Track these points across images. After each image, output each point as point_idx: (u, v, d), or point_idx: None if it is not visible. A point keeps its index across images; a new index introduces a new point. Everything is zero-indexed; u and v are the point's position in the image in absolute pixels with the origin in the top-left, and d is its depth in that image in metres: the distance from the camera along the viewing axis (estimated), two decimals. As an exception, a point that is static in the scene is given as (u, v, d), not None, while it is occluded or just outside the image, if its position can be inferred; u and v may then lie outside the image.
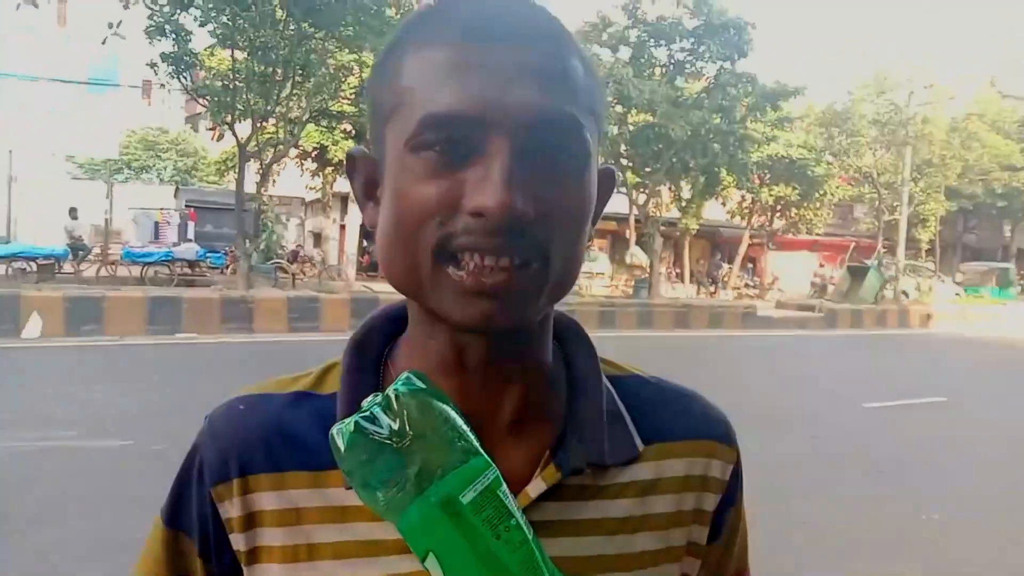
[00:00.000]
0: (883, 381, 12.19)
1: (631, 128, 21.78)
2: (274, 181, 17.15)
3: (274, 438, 0.68)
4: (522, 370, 0.68)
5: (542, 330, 0.70)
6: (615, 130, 21.52)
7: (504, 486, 0.59)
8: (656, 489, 0.71)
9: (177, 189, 29.95)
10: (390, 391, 0.59)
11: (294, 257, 21.96)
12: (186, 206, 25.86)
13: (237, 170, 16.10)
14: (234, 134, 15.58)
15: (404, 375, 0.60)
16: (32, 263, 16.27)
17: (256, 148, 16.45)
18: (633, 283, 24.57)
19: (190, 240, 21.63)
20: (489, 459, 0.59)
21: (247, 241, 15.84)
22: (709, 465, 0.75)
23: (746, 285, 31.50)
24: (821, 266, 32.66)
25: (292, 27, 15.08)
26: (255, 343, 12.12)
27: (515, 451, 0.67)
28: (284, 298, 14.04)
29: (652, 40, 21.73)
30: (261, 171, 16.81)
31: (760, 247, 33.23)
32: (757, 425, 8.26)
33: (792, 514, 5.50)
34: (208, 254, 19.64)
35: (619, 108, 21.05)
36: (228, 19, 14.75)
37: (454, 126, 0.58)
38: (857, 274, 26.25)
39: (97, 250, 19.30)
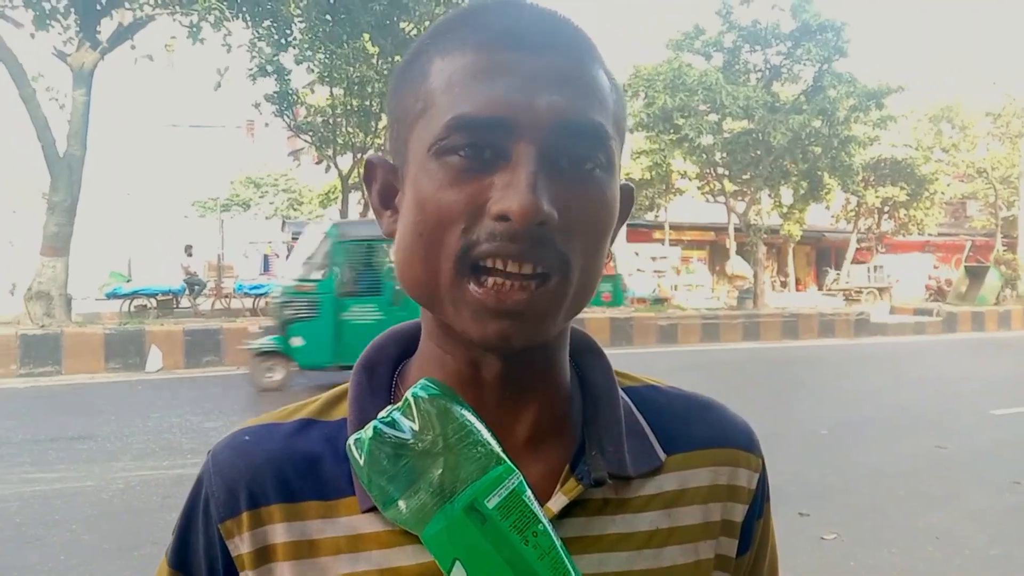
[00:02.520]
0: (1012, 386, 11.51)
1: (726, 135, 21.41)
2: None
3: (284, 467, 0.65)
4: (540, 386, 0.67)
5: (559, 345, 0.67)
6: (710, 139, 21.20)
7: (529, 492, 0.57)
8: (682, 500, 0.69)
9: (284, 223, 31.07)
10: (409, 395, 0.57)
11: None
12: (292, 238, 26.78)
13: (340, 201, 16.60)
14: (336, 167, 16.11)
15: (422, 381, 0.58)
16: (152, 300, 17.16)
17: (357, 179, 16.94)
18: (736, 294, 24.06)
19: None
20: (512, 464, 0.57)
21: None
22: (735, 474, 0.72)
23: (856, 291, 30.41)
24: (936, 268, 31.24)
25: (385, 61, 15.50)
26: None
27: (534, 467, 0.65)
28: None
29: (747, 45, 21.35)
30: (363, 200, 17.28)
31: (868, 251, 32.03)
32: (879, 434, 7.96)
33: (923, 527, 5.25)
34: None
35: (713, 116, 20.73)
36: (325, 57, 15.28)
37: (481, 130, 0.57)
38: (976, 274, 25.01)
39: (211, 285, 20.17)
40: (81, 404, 9.24)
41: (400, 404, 0.57)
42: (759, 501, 0.74)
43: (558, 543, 0.56)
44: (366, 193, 0.69)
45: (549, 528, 0.56)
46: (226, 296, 19.34)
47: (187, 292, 18.44)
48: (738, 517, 0.72)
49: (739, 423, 0.75)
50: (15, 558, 4.55)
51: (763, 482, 0.75)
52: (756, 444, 0.75)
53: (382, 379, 0.69)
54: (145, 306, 17.01)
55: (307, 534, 0.63)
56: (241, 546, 0.64)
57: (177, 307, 17.79)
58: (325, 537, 0.63)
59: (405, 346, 0.71)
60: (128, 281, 19.63)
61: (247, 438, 0.68)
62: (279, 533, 0.63)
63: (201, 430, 7.63)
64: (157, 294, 17.43)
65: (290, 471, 0.65)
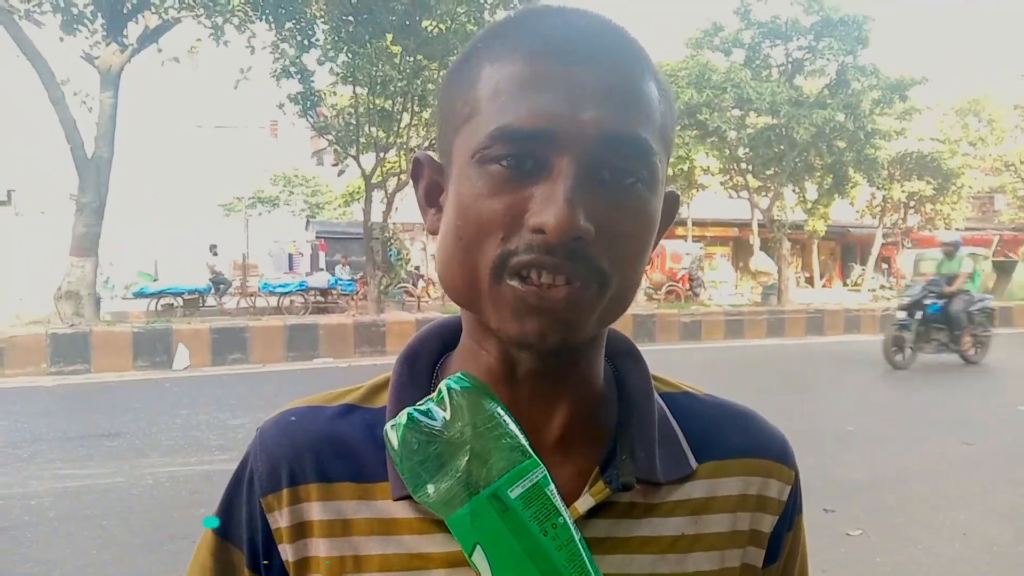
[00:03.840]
0: (1042, 382, 11.37)
1: (749, 131, 21.29)
2: (396, 208, 17.66)
3: (324, 448, 0.68)
4: (572, 386, 0.67)
5: (594, 347, 0.68)
6: (733, 134, 21.09)
7: (552, 486, 0.58)
8: (710, 508, 0.69)
9: (307, 222, 31.29)
10: (443, 386, 0.60)
11: (416, 280, 22.53)
12: (316, 237, 26.98)
13: (364, 200, 16.68)
14: (359, 166, 16.17)
15: (457, 374, 0.61)
16: (179, 299, 17.35)
17: (380, 178, 17.01)
18: (760, 290, 23.89)
19: (321, 269, 22.54)
20: (538, 459, 0.59)
21: (376, 267, 16.35)
22: (766, 485, 0.72)
23: (881, 287, 30.10)
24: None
25: (407, 60, 15.54)
26: (390, 364, 12.43)
27: (564, 466, 0.66)
28: (413, 320, 14.39)
29: (767, 41, 21.21)
30: (386, 200, 17.34)
31: (894, 246, 31.69)
32: (905, 431, 7.89)
33: (949, 524, 5.20)
34: (339, 282, 20.41)
35: (737, 111, 20.62)
36: (347, 57, 15.35)
37: (524, 141, 0.58)
38: (1004, 269, 24.67)
39: (237, 283, 20.36)
40: (110, 402, 9.37)
41: (435, 395, 0.60)
42: (790, 513, 0.74)
43: (577, 537, 0.58)
44: (414, 190, 0.71)
45: (569, 522, 0.58)
46: (251, 295, 19.52)
47: (213, 291, 18.63)
48: (767, 528, 0.72)
49: (774, 434, 0.75)
50: (49, 552, 4.63)
51: (795, 494, 0.75)
52: (790, 456, 0.75)
53: (422, 370, 0.71)
54: (172, 305, 17.21)
55: (342, 514, 0.66)
56: (280, 520, 0.68)
57: (203, 306, 17.98)
58: (359, 518, 0.66)
59: (448, 339, 0.73)
60: (155, 280, 19.88)
61: (292, 418, 0.71)
62: (316, 511, 0.67)
63: (228, 427, 7.71)
64: (183, 293, 17.63)
65: (329, 453, 0.68)
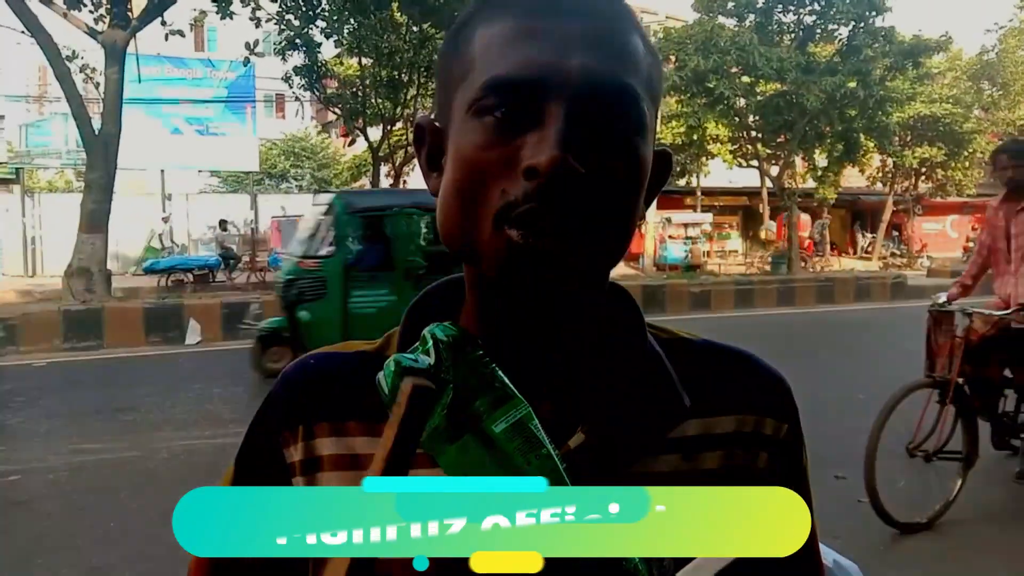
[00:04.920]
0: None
1: (759, 98, 21.07)
2: (405, 181, 17.62)
3: (337, 390, 0.72)
4: (570, 334, 0.69)
5: (592, 296, 0.70)
6: (742, 101, 20.88)
7: (536, 421, 0.60)
8: (704, 446, 0.70)
9: (315, 195, 31.21)
10: (426, 333, 0.63)
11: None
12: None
13: (371, 173, 16.65)
14: (366, 138, 16.12)
15: (442, 324, 0.63)
16: (189, 274, 17.42)
17: (388, 150, 16.95)
18: (770, 259, 23.82)
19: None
20: (521, 397, 0.61)
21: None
22: (761, 423, 0.72)
23: (892, 254, 29.96)
24: (974, 229, 30.61)
25: (413, 30, 15.43)
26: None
27: (558, 412, 0.67)
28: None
29: (780, 5, 20.92)
30: (393, 172, 17.30)
31: (905, 213, 31.46)
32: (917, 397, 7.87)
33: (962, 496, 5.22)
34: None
35: (746, 78, 20.40)
36: (353, 28, 15.25)
37: (514, 90, 0.60)
38: (1016, 235, 24.49)
39: (246, 258, 20.41)
40: (124, 377, 9.45)
41: (420, 343, 0.63)
42: (788, 451, 0.73)
43: (562, 467, 0.60)
44: (416, 156, 0.72)
45: (553, 453, 0.60)
46: (261, 269, 19.57)
47: (223, 266, 18.68)
48: (762, 464, 0.72)
49: (772, 373, 0.76)
50: (67, 524, 4.70)
51: (793, 433, 0.74)
52: (788, 394, 0.75)
53: (424, 322, 0.71)
54: (182, 280, 17.27)
55: (352, 449, 0.70)
56: (294, 454, 0.72)
57: (213, 280, 18.04)
58: (366, 453, 0.68)
59: (453, 294, 0.75)
60: (163, 249, 19.94)
61: (312, 362, 0.76)
62: (327, 446, 0.71)
63: (241, 400, 7.77)
64: (193, 268, 17.71)
65: (342, 394, 0.72)
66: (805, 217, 25.90)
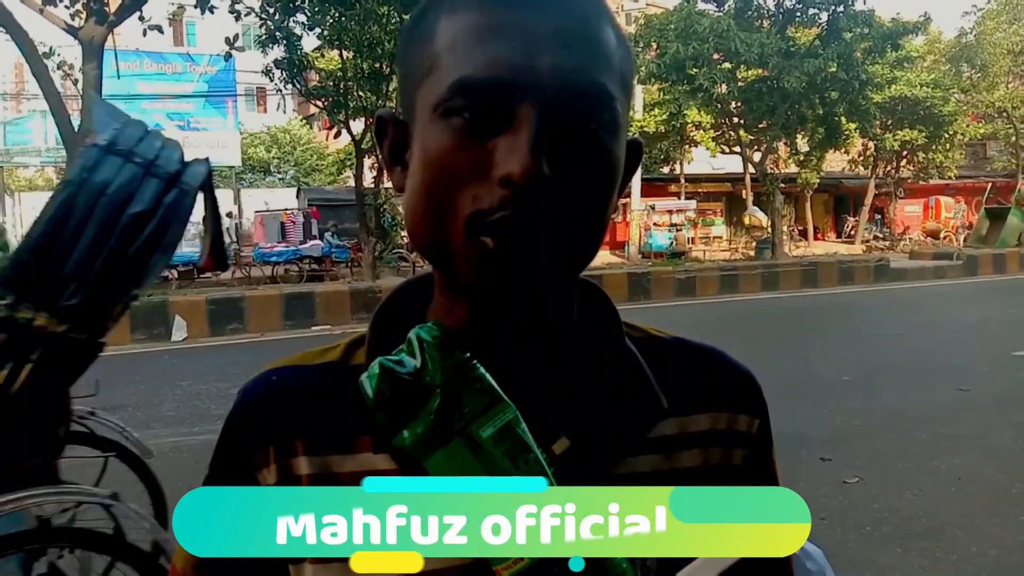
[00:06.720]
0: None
1: (740, 84, 21.11)
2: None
3: (306, 404, 0.68)
4: (542, 335, 0.68)
5: (564, 296, 0.69)
6: (723, 88, 20.91)
7: (523, 425, 0.59)
8: (682, 445, 0.69)
9: (299, 190, 31.06)
10: (411, 335, 0.61)
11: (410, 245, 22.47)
12: (309, 205, 26.83)
13: (355, 167, 16.59)
14: (349, 132, 16.04)
15: (427, 324, 0.61)
16: (173, 270, 17.28)
17: (371, 143, 16.89)
18: (754, 244, 23.93)
19: (314, 237, 22.47)
20: (508, 400, 0.59)
21: (370, 234, 16.31)
22: (735, 420, 0.72)
23: (875, 237, 30.15)
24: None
25: (395, 21, 15.35)
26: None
27: (536, 414, 0.65)
28: (408, 286, 14.39)
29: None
30: (377, 165, 17.24)
31: (887, 196, 31.65)
32: (901, 379, 7.97)
33: (945, 468, 5.29)
34: (333, 249, 20.34)
35: (727, 65, 20.42)
36: (334, 20, 15.15)
37: (484, 92, 0.57)
38: (996, 216, 24.72)
39: (231, 253, 20.32)
40: (110, 374, 9.36)
41: (404, 345, 0.61)
42: (760, 447, 0.74)
43: (550, 471, 0.59)
44: (377, 148, 0.70)
45: (541, 457, 0.59)
46: (245, 264, 19.50)
47: (207, 262, 18.56)
48: (737, 460, 0.72)
49: (742, 371, 0.75)
50: (57, 525, 4.69)
51: (764, 428, 0.74)
52: (758, 391, 0.75)
53: (396, 324, 0.70)
54: (167, 277, 17.15)
55: (327, 467, 0.67)
56: (268, 478, 0.68)
57: (198, 276, 17.94)
58: (344, 471, 0.66)
59: (421, 295, 0.73)
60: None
61: (274, 377, 0.71)
62: (301, 466, 0.67)
63: (229, 396, 7.59)
64: (177, 264, 17.55)
65: (312, 409, 0.68)
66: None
